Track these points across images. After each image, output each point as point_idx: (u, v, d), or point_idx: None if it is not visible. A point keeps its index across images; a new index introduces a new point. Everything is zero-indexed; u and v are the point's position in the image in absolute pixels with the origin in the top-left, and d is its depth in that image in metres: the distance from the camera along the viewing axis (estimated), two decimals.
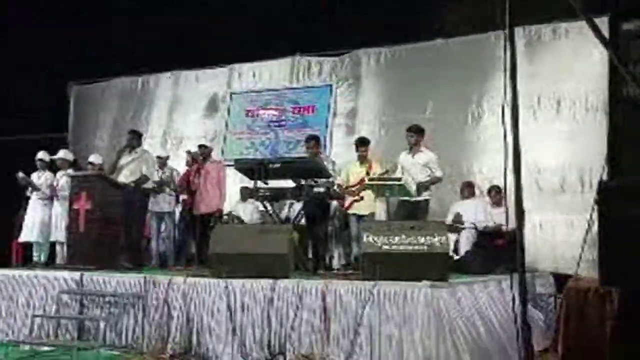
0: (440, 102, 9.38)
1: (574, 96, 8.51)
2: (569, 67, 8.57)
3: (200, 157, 8.60)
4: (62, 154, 9.27)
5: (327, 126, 10.16)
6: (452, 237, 7.84)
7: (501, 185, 7.69)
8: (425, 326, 5.12)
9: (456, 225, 8.19)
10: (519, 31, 8.31)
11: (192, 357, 5.88)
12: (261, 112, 10.70)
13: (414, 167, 7.41)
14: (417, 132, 7.52)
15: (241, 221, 9.12)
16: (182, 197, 8.76)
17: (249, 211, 9.32)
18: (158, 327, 6.16)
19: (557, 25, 8.68)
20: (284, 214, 8.21)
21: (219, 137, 10.81)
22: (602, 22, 7.51)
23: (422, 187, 7.24)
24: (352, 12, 9.33)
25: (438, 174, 7.37)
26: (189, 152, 9.23)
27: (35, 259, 8.88)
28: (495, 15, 3.27)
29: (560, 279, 7.28)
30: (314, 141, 8.04)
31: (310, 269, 7.36)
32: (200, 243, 8.19)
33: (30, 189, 8.94)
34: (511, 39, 3.14)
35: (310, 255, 7.80)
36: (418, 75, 9.60)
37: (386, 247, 5.81)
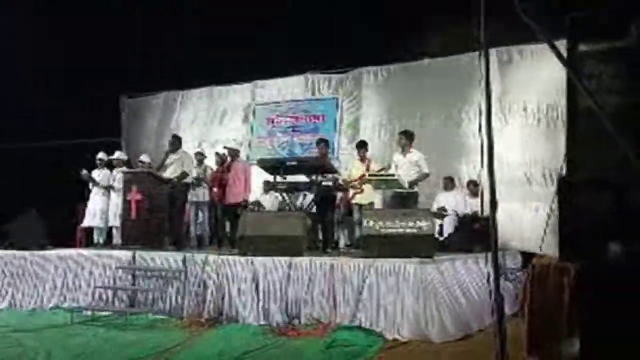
0: (428, 111, 9.34)
1: (538, 106, 8.47)
2: (534, 82, 8.51)
3: (227, 157, 8.61)
4: (117, 154, 9.34)
5: (334, 131, 10.16)
6: (437, 222, 7.84)
7: (477, 179, 7.74)
8: (415, 295, 5.15)
9: (440, 213, 8.19)
10: (492, 52, 8.27)
11: (224, 320, 5.92)
12: (280, 119, 10.71)
13: (405, 165, 7.37)
14: (407, 135, 7.48)
15: (263, 209, 9.14)
16: (214, 189, 8.76)
17: (270, 201, 9.34)
18: (196, 296, 6.21)
19: (524, 47, 8.61)
20: (298, 203, 8.22)
21: (245, 141, 10.81)
22: (562, 44, 7.40)
23: (413, 184, 7.23)
24: (354, 37, 9.31)
25: (425, 170, 7.33)
26: (217, 154, 9.24)
27: (95, 240, 8.94)
28: (473, 38, 3.26)
29: (527, 256, 7.24)
30: (323, 144, 8.03)
31: (320, 248, 7.38)
32: (230, 227, 8.22)
33: (91, 183, 8.99)
34: (486, 58, 3.13)
35: (320, 237, 7.81)
36: (409, 89, 9.56)
37: (383, 230, 5.83)
